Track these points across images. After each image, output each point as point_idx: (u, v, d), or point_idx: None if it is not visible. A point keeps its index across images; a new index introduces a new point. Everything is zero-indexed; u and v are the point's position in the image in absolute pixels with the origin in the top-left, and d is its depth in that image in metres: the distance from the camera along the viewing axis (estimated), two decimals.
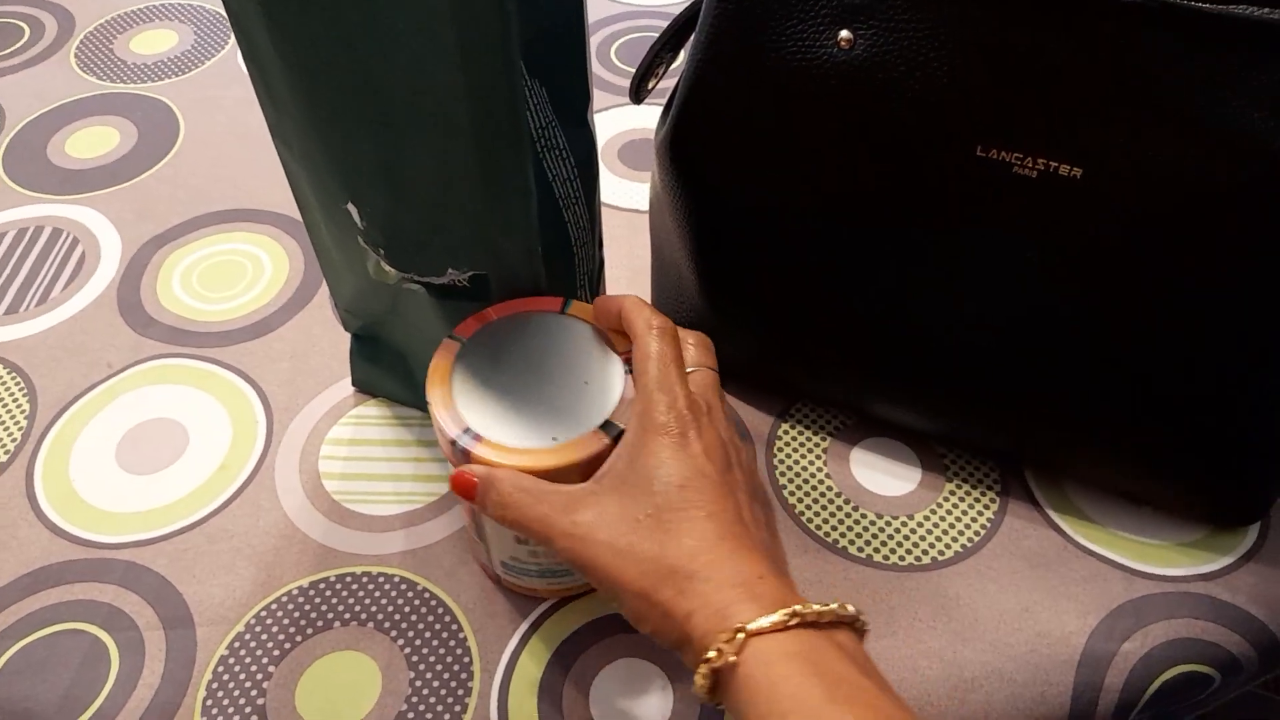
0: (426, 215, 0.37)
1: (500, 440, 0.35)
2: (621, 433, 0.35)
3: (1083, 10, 0.35)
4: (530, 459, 0.35)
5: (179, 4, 0.78)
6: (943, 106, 0.38)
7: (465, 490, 0.35)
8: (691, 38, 0.42)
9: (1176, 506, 0.44)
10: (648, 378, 0.35)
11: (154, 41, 0.74)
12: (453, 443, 0.35)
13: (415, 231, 0.38)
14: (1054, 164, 0.37)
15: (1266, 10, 0.34)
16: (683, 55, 0.43)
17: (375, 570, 0.44)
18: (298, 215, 0.59)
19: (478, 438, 0.35)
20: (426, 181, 0.35)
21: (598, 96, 0.68)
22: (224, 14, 0.76)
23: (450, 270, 0.38)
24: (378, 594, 0.43)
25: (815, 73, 0.39)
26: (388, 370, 0.49)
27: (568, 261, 0.40)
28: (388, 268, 0.40)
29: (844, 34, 0.38)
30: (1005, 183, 0.38)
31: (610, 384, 0.37)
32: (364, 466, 0.48)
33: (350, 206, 0.37)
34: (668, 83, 0.45)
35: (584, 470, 0.35)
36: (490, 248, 0.38)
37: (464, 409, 0.36)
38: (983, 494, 0.46)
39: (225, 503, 0.46)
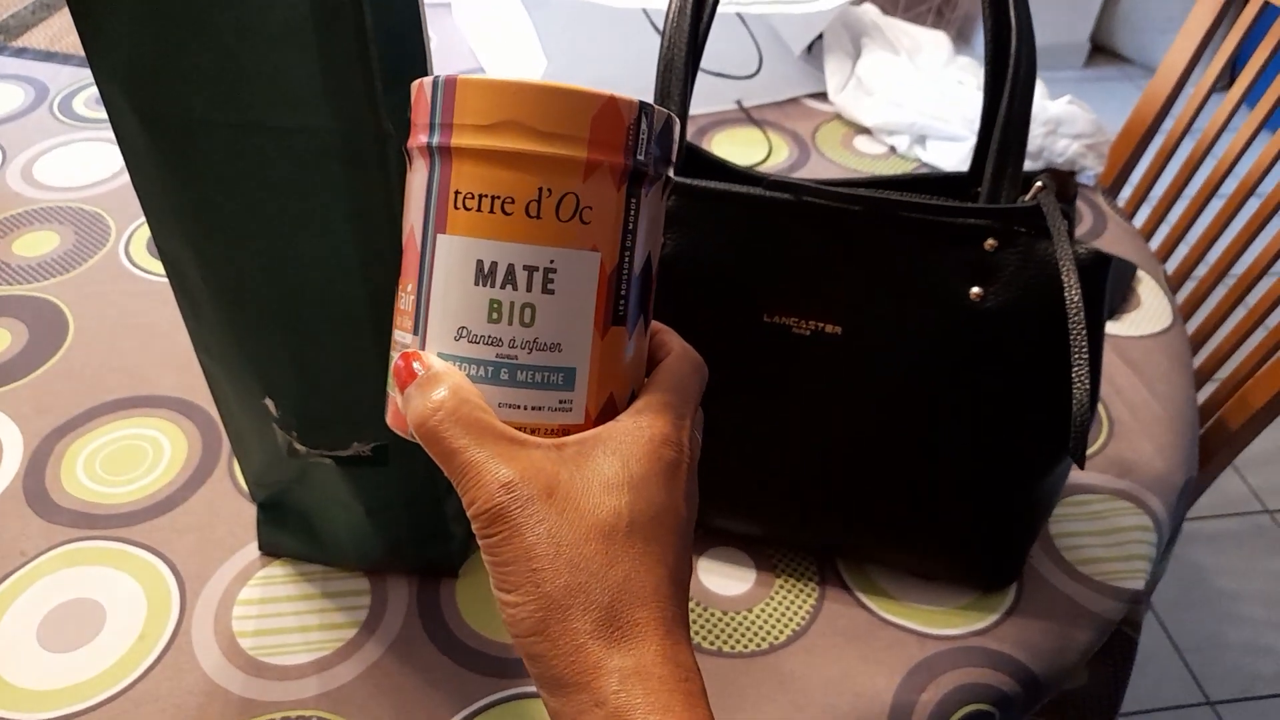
0: (334, 401, 0.45)
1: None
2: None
3: (830, 212, 0.48)
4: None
5: (57, 208, 0.84)
6: (733, 286, 0.50)
7: (402, 374, 0.30)
8: None
9: (954, 577, 0.56)
10: (672, 383, 0.31)
11: (36, 244, 0.79)
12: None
13: (325, 415, 0.46)
14: (822, 324, 0.50)
15: (963, 217, 0.48)
16: None
17: (294, 714, 0.49)
18: (191, 398, 0.66)
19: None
20: (336, 374, 0.44)
21: None
22: (101, 212, 0.83)
23: (355, 444, 0.46)
24: None
25: None
26: (293, 532, 0.55)
27: None
28: (299, 446, 0.47)
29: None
30: (786, 340, 0.50)
31: None
32: (275, 622, 0.53)
33: (267, 400, 0.45)
34: None
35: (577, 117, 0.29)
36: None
37: None
38: (805, 584, 0.56)
39: (148, 669, 0.51)
